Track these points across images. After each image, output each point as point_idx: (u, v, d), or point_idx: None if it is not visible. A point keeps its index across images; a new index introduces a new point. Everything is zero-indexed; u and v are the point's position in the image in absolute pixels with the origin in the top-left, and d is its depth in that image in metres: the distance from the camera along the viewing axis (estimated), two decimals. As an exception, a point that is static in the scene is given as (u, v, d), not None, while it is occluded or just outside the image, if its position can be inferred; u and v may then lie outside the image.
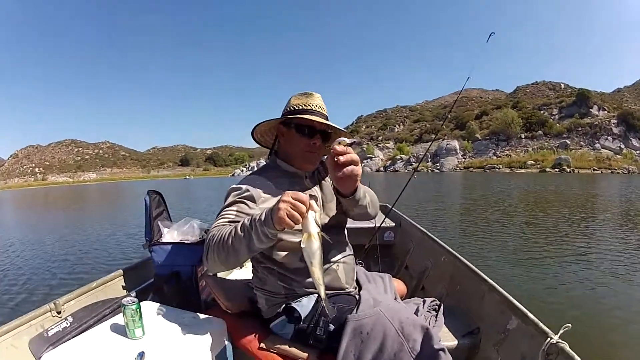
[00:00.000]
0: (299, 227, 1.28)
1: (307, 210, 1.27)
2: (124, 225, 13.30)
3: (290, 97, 1.80)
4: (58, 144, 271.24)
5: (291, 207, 1.25)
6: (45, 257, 8.50)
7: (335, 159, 1.42)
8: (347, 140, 1.42)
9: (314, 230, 1.26)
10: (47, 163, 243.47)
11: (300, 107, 1.73)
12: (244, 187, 1.66)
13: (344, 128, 1.71)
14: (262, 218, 1.33)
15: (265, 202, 1.64)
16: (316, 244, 1.26)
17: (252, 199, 1.63)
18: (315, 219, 1.28)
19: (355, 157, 1.43)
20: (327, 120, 1.74)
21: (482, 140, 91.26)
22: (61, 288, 6.01)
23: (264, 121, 1.77)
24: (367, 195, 1.74)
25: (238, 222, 1.46)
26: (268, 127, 1.83)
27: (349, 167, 1.42)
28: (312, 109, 1.72)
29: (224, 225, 1.51)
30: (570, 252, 7.23)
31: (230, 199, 1.64)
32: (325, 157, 1.60)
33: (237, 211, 1.58)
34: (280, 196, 1.32)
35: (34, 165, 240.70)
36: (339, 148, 1.39)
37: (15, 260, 8.53)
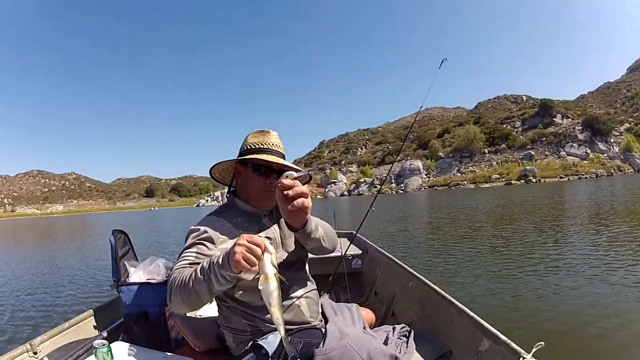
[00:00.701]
0: (256, 268, 1.29)
1: (263, 253, 1.28)
2: (95, 259, 12.98)
3: (247, 135, 1.83)
4: (25, 175, 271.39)
5: (247, 251, 1.26)
6: (19, 294, 8.30)
7: (285, 193, 1.41)
8: (295, 174, 1.42)
9: (271, 272, 1.27)
10: (16, 194, 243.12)
11: (257, 146, 1.76)
12: (202, 228, 1.67)
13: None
14: (220, 262, 1.34)
15: (223, 242, 1.65)
16: (273, 285, 1.27)
17: (210, 240, 1.64)
18: (271, 260, 1.29)
19: (304, 189, 1.43)
20: (284, 158, 1.77)
21: (445, 158, 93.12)
22: (34, 326, 5.89)
23: (220, 162, 1.80)
24: (319, 228, 1.73)
25: (198, 263, 1.48)
26: (226, 165, 1.86)
27: (299, 200, 1.41)
28: (268, 148, 1.75)
29: (184, 267, 1.52)
30: (539, 264, 7.30)
31: (189, 241, 1.64)
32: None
33: (196, 253, 1.59)
34: (237, 238, 1.32)
35: (2, 196, 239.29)
36: (286, 182, 1.38)
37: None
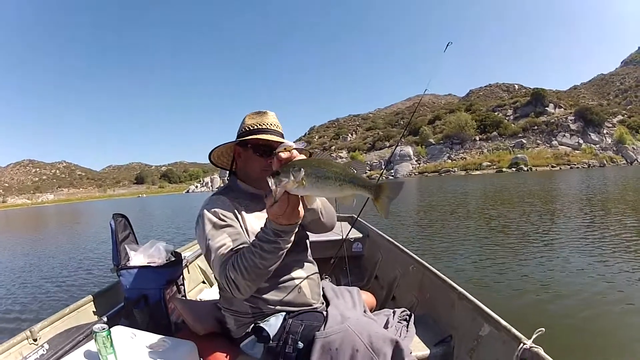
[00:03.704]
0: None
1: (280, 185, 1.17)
2: (93, 245, 13.10)
3: (245, 117, 1.80)
4: (16, 165, 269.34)
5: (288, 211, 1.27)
6: (16, 282, 8.28)
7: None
8: (293, 145, 1.29)
9: (298, 179, 1.14)
10: (7, 184, 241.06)
11: (255, 127, 1.73)
12: (215, 210, 1.62)
13: (297, 139, 1.66)
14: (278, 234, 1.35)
15: (233, 220, 1.63)
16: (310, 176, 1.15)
17: (231, 217, 1.62)
18: (288, 179, 1.14)
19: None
20: (283, 137, 1.73)
21: (436, 145, 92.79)
22: (34, 313, 5.92)
23: (220, 145, 1.77)
24: (317, 199, 1.72)
25: (240, 243, 1.50)
26: (225, 149, 1.83)
27: None
28: (267, 128, 1.73)
29: (231, 256, 1.47)
30: (537, 250, 7.33)
31: (212, 225, 1.59)
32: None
33: (229, 235, 1.54)
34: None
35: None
36: (283, 155, 1.24)
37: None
